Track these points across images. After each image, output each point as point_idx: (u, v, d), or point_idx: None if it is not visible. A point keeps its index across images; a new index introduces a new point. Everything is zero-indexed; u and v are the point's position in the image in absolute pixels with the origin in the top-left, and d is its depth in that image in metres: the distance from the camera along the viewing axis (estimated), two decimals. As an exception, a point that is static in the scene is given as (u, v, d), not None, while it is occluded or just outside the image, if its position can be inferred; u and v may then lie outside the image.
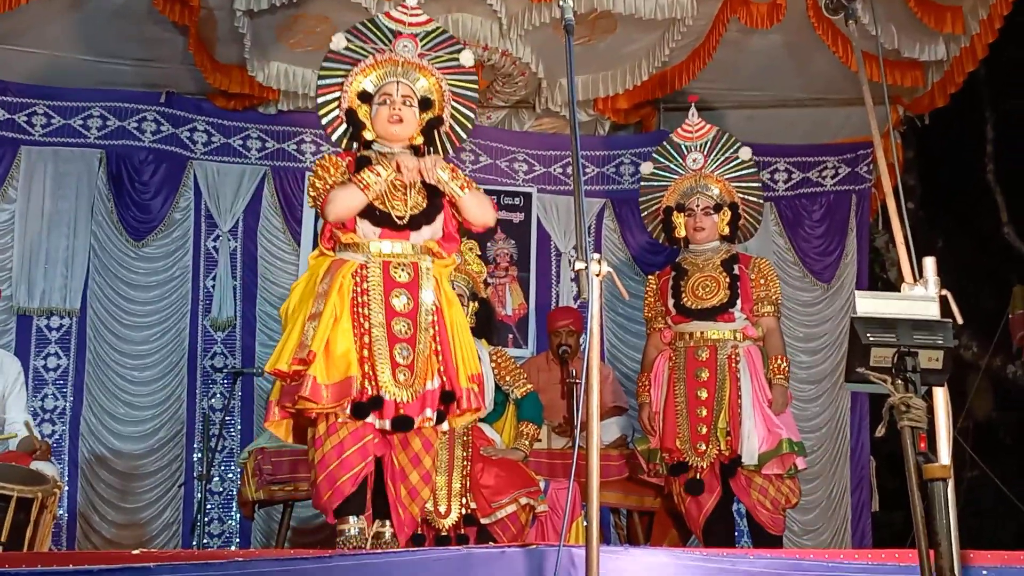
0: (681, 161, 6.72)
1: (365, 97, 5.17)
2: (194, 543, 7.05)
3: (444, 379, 4.81)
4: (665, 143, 6.87)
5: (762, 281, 6.46)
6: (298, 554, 4.54)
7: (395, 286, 4.84)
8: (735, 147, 6.70)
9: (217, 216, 8.55)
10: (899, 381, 3.38)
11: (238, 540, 8.22)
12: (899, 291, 4.24)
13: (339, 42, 5.21)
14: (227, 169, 8.62)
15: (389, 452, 4.82)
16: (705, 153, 6.68)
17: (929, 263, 4.13)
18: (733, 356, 6.32)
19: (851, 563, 4.41)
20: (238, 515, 8.11)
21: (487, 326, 6.41)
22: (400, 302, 4.83)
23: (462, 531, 5.81)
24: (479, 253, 6.62)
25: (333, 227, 4.94)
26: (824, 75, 8.41)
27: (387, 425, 4.73)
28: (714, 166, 6.66)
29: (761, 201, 6.76)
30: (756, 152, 7.10)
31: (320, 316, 4.73)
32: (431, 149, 5.15)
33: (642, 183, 6.85)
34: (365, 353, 4.74)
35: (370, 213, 4.88)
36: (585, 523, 3.87)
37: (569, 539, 5.64)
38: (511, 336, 8.70)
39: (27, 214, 8.27)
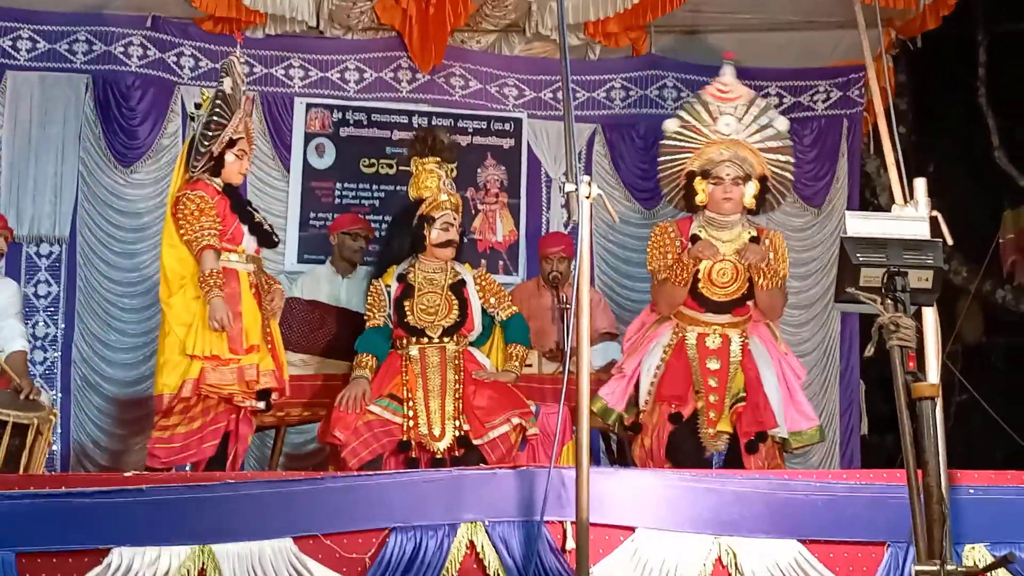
0: (711, 122, 6.08)
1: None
2: (187, 467, 7.09)
3: None
4: (693, 100, 6.26)
5: (771, 254, 5.97)
6: (289, 476, 4.58)
7: None
8: (771, 115, 6.15)
9: (206, 142, 8.48)
10: (888, 301, 3.39)
11: (231, 465, 8.26)
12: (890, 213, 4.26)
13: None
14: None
15: None
16: (739, 117, 6.08)
17: (920, 184, 4.15)
18: (745, 343, 5.99)
19: (840, 483, 4.46)
20: (231, 441, 8.13)
21: (460, 246, 6.39)
22: None
23: (456, 453, 5.85)
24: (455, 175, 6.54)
25: None
26: (814, -5, 8.35)
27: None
28: (747, 133, 6.07)
29: (791, 178, 6.20)
30: (746, 76, 7.03)
31: None
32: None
33: (664, 141, 6.23)
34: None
35: None
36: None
37: (560, 462, 5.66)
38: (501, 263, 8.70)
39: (14, 140, 8.21)
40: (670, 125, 6.20)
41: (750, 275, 5.92)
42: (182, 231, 5.56)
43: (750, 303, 6.00)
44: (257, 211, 6.04)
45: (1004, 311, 10.32)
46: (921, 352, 3.62)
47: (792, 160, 6.17)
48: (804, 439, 5.95)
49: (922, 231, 3.56)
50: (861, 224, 3.52)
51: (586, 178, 3.63)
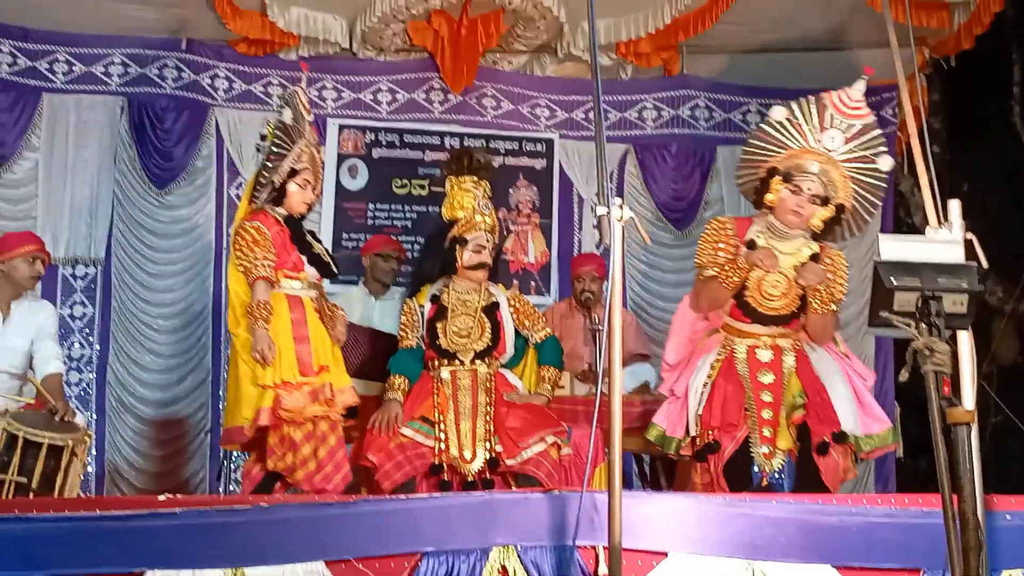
0: (818, 130, 5.63)
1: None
2: (220, 490, 7.11)
3: None
4: (811, 100, 5.72)
5: (829, 276, 5.60)
6: (322, 499, 4.57)
7: None
8: (880, 151, 5.64)
9: (239, 163, 8.56)
10: (923, 325, 3.36)
11: (264, 487, 8.28)
12: (924, 235, 4.22)
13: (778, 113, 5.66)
14: (249, 116, 8.62)
15: None
16: (849, 137, 5.62)
17: (954, 206, 4.11)
18: (800, 350, 5.71)
19: (874, 508, 4.42)
20: (263, 462, 8.15)
21: (495, 267, 6.34)
22: None
23: (487, 476, 5.83)
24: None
25: None
26: (848, 17, 8.32)
27: None
28: (847, 156, 5.63)
29: (869, 220, 5.79)
30: (780, 96, 6.99)
31: None
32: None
33: (763, 126, 5.79)
34: None
35: None
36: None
37: (592, 485, 5.64)
38: (533, 283, 8.70)
39: (51, 163, 8.31)
40: (777, 113, 5.72)
41: (804, 294, 5.61)
42: (238, 261, 5.55)
43: (800, 320, 5.71)
44: (319, 241, 6.02)
45: (1041, 331, 10.22)
46: (956, 377, 3.59)
47: (879, 205, 5.74)
48: (876, 442, 5.59)
49: (957, 254, 3.53)
50: (895, 248, 3.49)
51: (618, 201, 3.63)
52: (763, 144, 5.74)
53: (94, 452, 7.81)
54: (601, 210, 3.59)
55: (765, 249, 5.60)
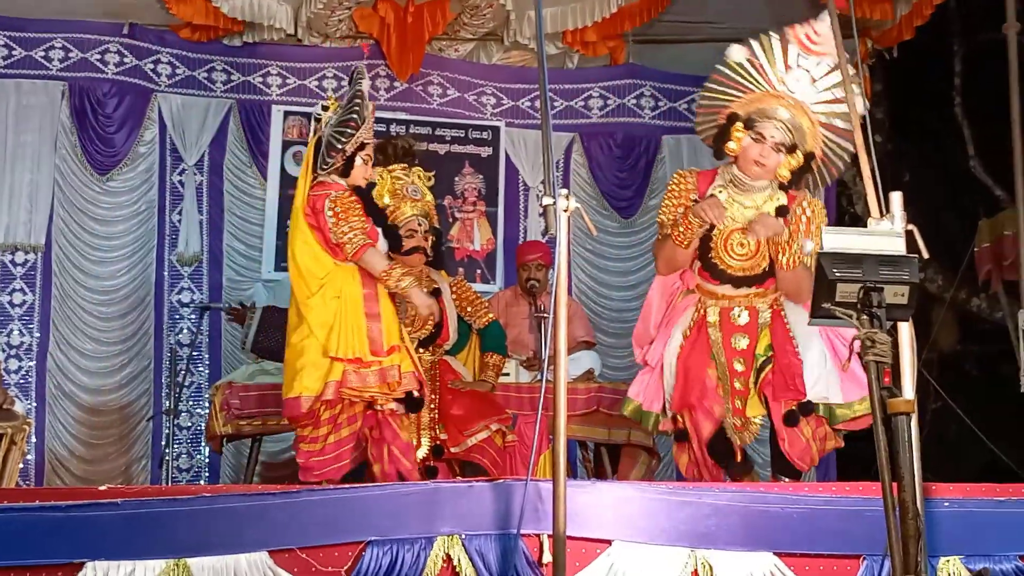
0: (783, 70, 5.10)
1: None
2: (163, 478, 7.06)
3: None
4: (774, 37, 5.16)
5: (802, 227, 5.09)
6: (265, 489, 4.55)
7: None
8: (854, 92, 4.85)
9: (182, 150, 8.49)
10: (864, 316, 3.40)
11: (207, 475, 8.24)
12: (866, 225, 4.26)
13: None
14: (192, 102, 8.55)
15: None
16: (816, 77, 5.12)
17: (896, 198, 4.14)
18: (777, 309, 5.23)
19: (815, 495, 4.46)
20: (207, 450, 8.12)
21: (437, 253, 6.26)
22: None
23: (431, 463, 5.83)
24: (432, 182, 6.39)
25: None
26: (793, 7, 8.33)
27: None
28: (816, 99, 5.14)
29: (843, 168, 5.30)
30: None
31: None
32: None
33: (720, 67, 5.25)
34: None
35: None
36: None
37: (536, 473, 5.66)
38: (479, 271, 8.69)
39: (-10, 148, 8.19)
40: (735, 54, 5.17)
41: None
42: (339, 230, 5.30)
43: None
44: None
45: (979, 319, 10.37)
46: (897, 367, 3.63)
47: (852, 151, 4.97)
48: (853, 411, 5.02)
49: (898, 246, 3.56)
50: (837, 239, 3.52)
51: (564, 191, 3.62)
52: (721, 88, 5.24)
53: (34, 440, 7.72)
54: (547, 200, 3.59)
55: (710, 200, 5.13)
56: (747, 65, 5.16)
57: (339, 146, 5.35)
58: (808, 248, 5.01)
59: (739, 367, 5.17)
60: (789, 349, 5.07)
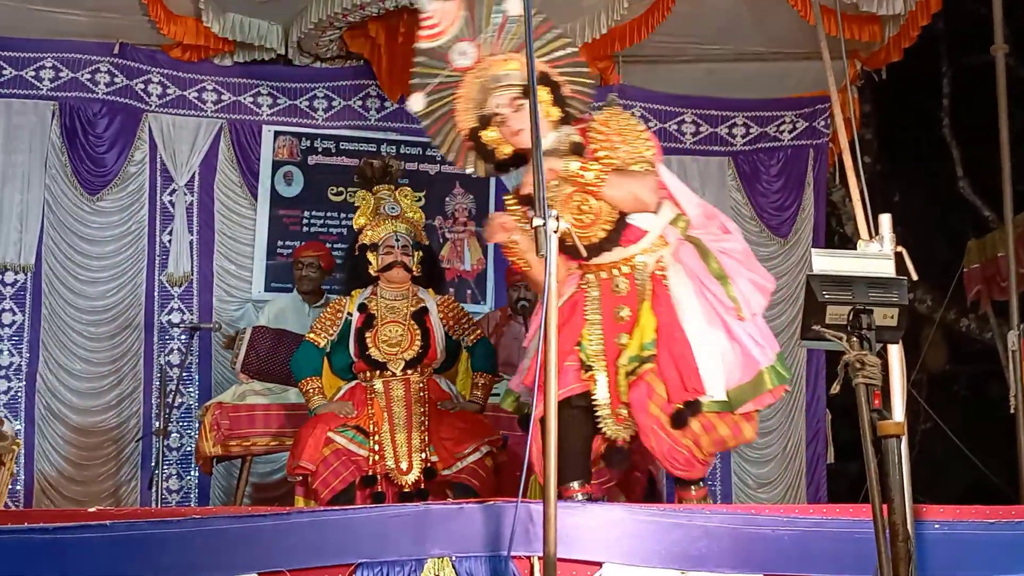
0: (461, 54, 4.73)
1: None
2: (152, 499, 7.04)
3: None
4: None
5: (606, 140, 4.61)
6: (255, 511, 4.55)
7: None
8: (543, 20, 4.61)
9: (173, 170, 8.48)
10: (854, 338, 3.41)
11: (197, 496, 8.21)
12: (855, 246, 4.28)
13: None
14: (182, 122, 8.54)
15: None
16: (493, 36, 4.69)
17: (885, 220, 4.16)
18: (659, 277, 4.66)
19: (805, 518, 4.46)
20: (197, 471, 8.09)
21: (432, 274, 6.29)
22: None
23: (423, 486, 5.82)
24: (422, 202, 6.36)
25: None
26: (783, 29, 8.39)
27: None
28: (511, 47, 4.69)
29: (591, 89, 4.80)
30: (715, 106, 7.02)
31: None
32: None
33: (423, 122, 4.97)
34: None
35: None
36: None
37: (527, 495, 5.65)
38: (469, 292, 8.69)
39: (-21, 168, 8.17)
40: (416, 103, 4.90)
41: (604, 201, 4.61)
42: None
43: (635, 222, 4.66)
44: None
45: (968, 340, 10.41)
46: (887, 389, 3.64)
47: (590, 75, 4.80)
48: (747, 393, 4.54)
49: (887, 268, 3.58)
50: (827, 262, 3.53)
51: (554, 212, 3.63)
52: (438, 137, 4.96)
53: (23, 461, 7.69)
54: (537, 221, 3.59)
55: (490, 221, 4.82)
56: (434, 95, 4.85)
57: None
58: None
59: (624, 341, 4.62)
60: (677, 333, 4.53)
